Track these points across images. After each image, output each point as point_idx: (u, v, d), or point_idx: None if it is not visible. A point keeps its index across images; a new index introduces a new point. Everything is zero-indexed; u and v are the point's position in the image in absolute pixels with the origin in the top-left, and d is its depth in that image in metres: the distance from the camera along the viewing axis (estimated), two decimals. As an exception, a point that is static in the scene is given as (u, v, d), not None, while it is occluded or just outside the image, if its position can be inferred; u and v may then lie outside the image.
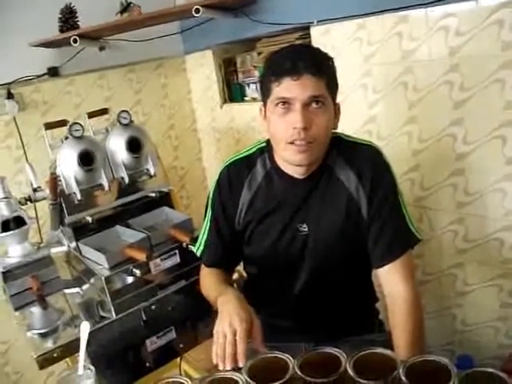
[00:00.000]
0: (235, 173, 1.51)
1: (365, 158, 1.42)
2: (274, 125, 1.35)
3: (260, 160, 1.49)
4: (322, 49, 1.39)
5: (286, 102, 1.31)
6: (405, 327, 1.34)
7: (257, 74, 2.67)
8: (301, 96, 1.28)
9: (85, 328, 1.27)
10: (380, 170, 1.41)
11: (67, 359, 1.74)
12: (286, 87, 1.29)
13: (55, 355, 1.64)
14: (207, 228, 1.57)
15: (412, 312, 1.35)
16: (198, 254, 1.61)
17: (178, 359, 2.01)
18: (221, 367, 1.18)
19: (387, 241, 1.39)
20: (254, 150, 1.53)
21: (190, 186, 3.21)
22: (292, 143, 1.32)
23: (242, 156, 1.53)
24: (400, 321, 1.36)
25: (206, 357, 2.15)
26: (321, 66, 1.30)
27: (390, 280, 1.39)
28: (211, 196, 1.55)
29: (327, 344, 1.51)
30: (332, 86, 1.35)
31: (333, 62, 1.38)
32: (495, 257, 1.87)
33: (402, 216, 1.41)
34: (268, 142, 1.48)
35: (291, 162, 1.38)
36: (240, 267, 1.72)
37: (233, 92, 2.92)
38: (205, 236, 1.58)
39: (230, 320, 1.25)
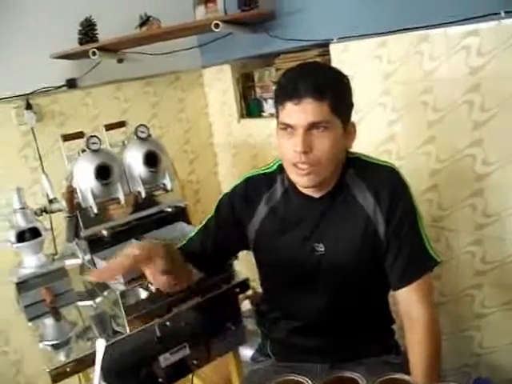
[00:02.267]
0: (253, 188, 1.51)
1: (383, 179, 1.40)
2: (281, 146, 1.36)
3: (280, 177, 1.49)
4: (341, 66, 1.38)
5: (288, 127, 1.31)
6: (421, 350, 1.33)
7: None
8: (301, 122, 1.28)
9: (100, 345, 1.26)
10: (398, 192, 1.39)
11: (80, 374, 1.74)
12: (288, 112, 1.30)
13: (68, 369, 1.63)
14: (201, 225, 1.58)
15: (429, 336, 1.34)
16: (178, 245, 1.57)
17: (190, 375, 1.99)
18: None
19: (405, 263, 1.37)
20: (275, 166, 1.53)
21: (205, 200, 3.20)
22: (295, 165, 1.32)
23: (262, 172, 1.54)
24: (417, 344, 1.34)
25: (219, 373, 2.15)
26: (323, 89, 1.28)
27: (408, 302, 1.37)
28: (224, 197, 1.56)
29: (343, 365, 1.51)
30: (340, 106, 1.32)
31: (343, 81, 1.36)
32: (514, 279, 1.84)
33: (420, 238, 1.39)
34: None
35: (296, 183, 1.40)
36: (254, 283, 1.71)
37: (250, 107, 2.92)
38: (192, 233, 1.58)
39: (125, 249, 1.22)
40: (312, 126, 1.28)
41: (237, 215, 1.51)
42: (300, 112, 1.27)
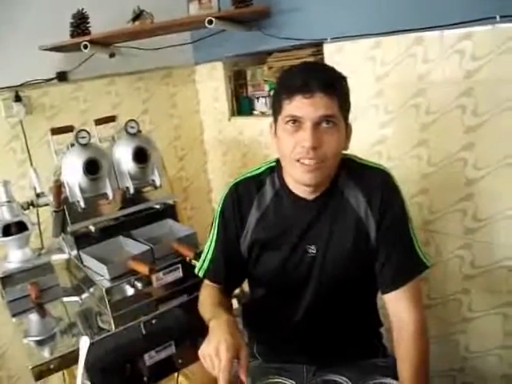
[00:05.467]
0: (244, 192, 1.48)
1: (375, 182, 1.39)
2: (283, 142, 1.33)
3: (269, 179, 1.47)
4: (335, 67, 1.37)
5: (296, 120, 1.29)
6: (409, 355, 1.32)
7: (266, 88, 2.66)
8: (312, 115, 1.26)
9: (84, 343, 1.25)
10: (389, 195, 1.39)
11: (64, 371, 1.71)
12: (297, 105, 1.27)
13: (52, 366, 1.61)
14: (212, 246, 1.54)
15: (417, 340, 1.34)
16: (201, 274, 1.57)
17: (176, 374, 1.98)
18: None
19: (395, 266, 1.37)
20: (263, 169, 1.51)
21: (195, 197, 3.17)
22: (299, 161, 1.30)
23: (251, 175, 1.51)
24: (405, 348, 1.34)
25: (204, 373, 2.13)
26: (334, 86, 1.28)
27: (397, 306, 1.37)
28: (217, 214, 1.52)
29: (330, 367, 1.50)
30: (344, 106, 1.33)
31: (346, 82, 1.36)
32: (502, 285, 1.83)
33: (411, 242, 1.39)
34: (278, 161, 1.46)
35: (299, 181, 1.36)
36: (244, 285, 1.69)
37: (241, 105, 2.90)
38: (209, 254, 1.55)
39: (217, 346, 1.21)
40: (321, 121, 1.27)
41: (233, 228, 1.49)
42: (310, 105, 1.26)
